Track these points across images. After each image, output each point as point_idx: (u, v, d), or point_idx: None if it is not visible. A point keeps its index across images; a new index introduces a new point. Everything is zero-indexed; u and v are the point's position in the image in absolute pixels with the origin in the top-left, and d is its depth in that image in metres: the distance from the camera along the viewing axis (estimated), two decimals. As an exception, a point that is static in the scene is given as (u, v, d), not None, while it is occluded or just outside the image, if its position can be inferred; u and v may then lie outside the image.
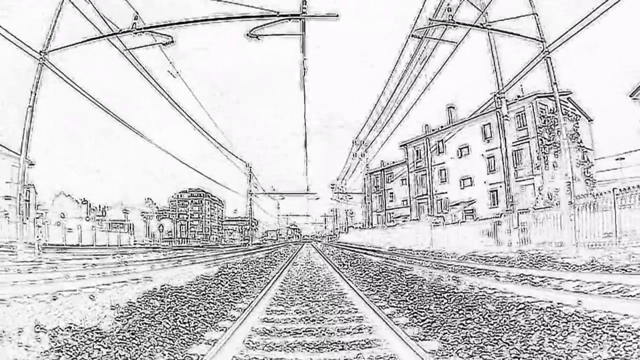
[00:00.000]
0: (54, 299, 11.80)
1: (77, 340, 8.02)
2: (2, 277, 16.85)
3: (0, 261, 24.38)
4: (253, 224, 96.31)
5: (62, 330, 8.57)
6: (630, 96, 42.28)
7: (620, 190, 24.55)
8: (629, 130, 44.67)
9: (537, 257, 24.41)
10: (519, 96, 52.28)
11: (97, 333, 8.60)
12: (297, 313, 11.52)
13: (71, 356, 7.24)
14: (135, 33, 31.55)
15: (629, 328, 7.61)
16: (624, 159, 48.16)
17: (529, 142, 51.62)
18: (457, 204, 61.47)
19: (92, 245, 59.47)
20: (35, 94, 31.30)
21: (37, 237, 36.10)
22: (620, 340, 7.01)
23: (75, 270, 20.47)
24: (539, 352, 6.89)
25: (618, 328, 7.63)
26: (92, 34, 32.05)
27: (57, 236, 56.52)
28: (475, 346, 7.57)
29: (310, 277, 20.31)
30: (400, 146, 73.70)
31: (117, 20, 32.02)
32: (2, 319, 9.19)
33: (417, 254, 38.36)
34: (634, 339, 7.03)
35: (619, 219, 24.13)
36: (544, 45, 30.61)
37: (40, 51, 31.33)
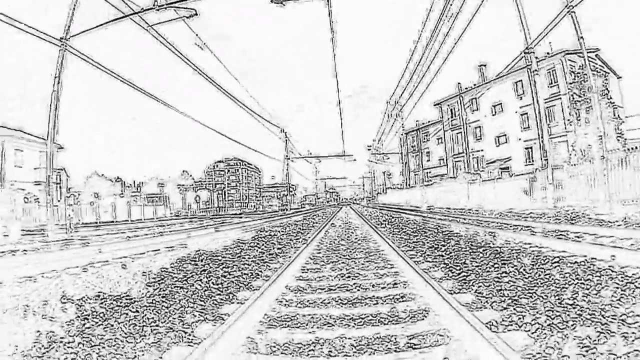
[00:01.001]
0: (84, 271, 11.91)
1: (104, 308, 8.13)
2: (31, 257, 16.78)
3: (30, 243, 24.50)
4: (291, 189, 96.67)
5: (90, 299, 8.68)
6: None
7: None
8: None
9: (571, 213, 24.32)
10: (548, 53, 51.84)
11: (127, 299, 8.70)
12: (332, 270, 11.56)
13: (97, 323, 7.27)
14: (158, 9, 31.68)
15: (662, 285, 7.52)
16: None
17: (560, 98, 51.25)
18: (493, 162, 61.28)
19: (127, 220, 59.75)
20: (59, 79, 31.46)
21: (69, 215, 36.48)
22: None
23: (107, 244, 20.43)
24: (573, 305, 6.81)
25: None
26: (113, 16, 32.21)
27: (91, 215, 57.22)
28: (509, 299, 7.54)
29: (348, 237, 20.29)
30: (435, 105, 73.49)
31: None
32: (27, 295, 9.24)
33: (454, 211, 38.41)
34: (667, 295, 6.96)
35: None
36: (567, 0, 30.33)
37: (61, 38, 31.49)
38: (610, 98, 47.43)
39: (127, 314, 7.66)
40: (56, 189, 34.84)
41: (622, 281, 7.94)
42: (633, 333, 5.63)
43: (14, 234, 29.95)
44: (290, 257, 14.14)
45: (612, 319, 6.22)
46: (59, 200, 39.25)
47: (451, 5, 35.40)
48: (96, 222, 53.30)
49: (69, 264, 13.22)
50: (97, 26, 32.37)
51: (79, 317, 7.62)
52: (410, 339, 6.13)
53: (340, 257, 13.67)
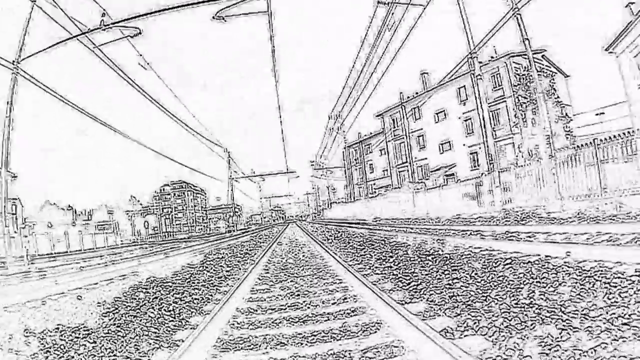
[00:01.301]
0: (43, 304, 11.72)
1: (64, 340, 8.07)
2: None
3: None
4: (236, 209, 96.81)
5: (50, 332, 8.60)
6: (606, 50, 42.30)
7: (601, 140, 24.43)
8: (607, 85, 44.80)
9: (521, 214, 24.43)
10: (492, 57, 52.34)
11: (84, 330, 8.62)
12: (281, 290, 11.62)
13: (58, 355, 7.28)
14: (104, 29, 31.68)
15: (622, 274, 7.50)
16: (603, 113, 48.38)
17: (505, 101, 51.81)
18: (438, 169, 61.78)
19: (80, 250, 59.52)
20: (12, 105, 31.05)
21: (26, 248, 36.07)
22: (615, 287, 6.90)
23: (63, 275, 20.33)
24: (530, 305, 6.80)
25: (611, 275, 7.53)
26: (64, 37, 31.98)
27: (45, 245, 57.07)
28: (463, 304, 7.57)
29: (295, 255, 20.46)
30: (377, 116, 73.94)
31: (87, 19, 31.93)
32: None
33: (401, 222, 38.72)
34: (629, 284, 6.91)
35: (603, 170, 24.02)
36: (513, 2, 30.58)
37: (13, 60, 31.14)
38: (557, 97, 48.00)
39: (85, 345, 7.73)
40: (12, 220, 34.42)
41: (580, 276, 7.90)
42: (598, 326, 5.57)
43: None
44: (239, 279, 14.27)
45: (574, 314, 6.17)
46: (15, 232, 38.81)
47: (393, 14, 35.52)
48: (51, 253, 53.15)
49: (29, 297, 12.94)
50: (46, 48, 32.28)
51: (41, 350, 7.69)
52: (364, 353, 6.11)
53: (288, 276, 13.85)
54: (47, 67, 33.91)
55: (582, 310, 6.15)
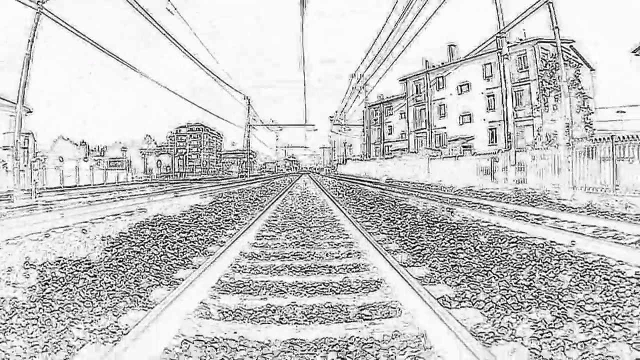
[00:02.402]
0: (46, 236, 11.91)
1: (64, 273, 8.11)
2: None
3: None
4: (251, 156, 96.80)
5: (51, 265, 8.65)
6: (633, 52, 42.03)
7: (619, 138, 24.32)
8: (632, 84, 44.58)
9: (532, 195, 24.40)
10: (520, 39, 52.07)
11: (86, 264, 8.68)
12: (287, 238, 11.70)
13: (57, 288, 7.23)
14: None
15: (622, 274, 7.51)
16: (624, 112, 48.23)
17: (529, 84, 51.63)
18: (456, 139, 61.64)
19: (90, 185, 59.54)
20: (33, 42, 31.10)
21: (34, 180, 36.20)
22: (613, 285, 6.89)
23: (69, 209, 20.55)
24: (529, 287, 6.84)
25: (611, 272, 7.53)
26: None
27: (55, 180, 56.87)
28: (464, 275, 7.60)
29: (305, 205, 20.60)
30: (400, 81, 73.76)
31: None
32: None
33: (414, 185, 38.66)
34: (627, 285, 6.90)
35: (617, 167, 23.97)
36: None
37: (38, 1, 31.05)
38: (581, 88, 47.84)
39: (85, 278, 7.73)
40: (23, 153, 34.50)
41: (581, 267, 7.89)
42: (591, 321, 5.55)
43: (-20, 199, 29.69)
44: (246, 223, 14.20)
45: (570, 303, 6.16)
46: (25, 165, 38.93)
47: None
48: (60, 187, 52.91)
49: (32, 230, 13.15)
50: None
51: (40, 282, 7.63)
52: (361, 310, 6.16)
53: (295, 225, 13.92)
54: (75, 9, 33.95)
55: (579, 302, 6.15)
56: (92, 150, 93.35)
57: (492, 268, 7.92)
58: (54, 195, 34.71)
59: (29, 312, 6.19)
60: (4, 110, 52.05)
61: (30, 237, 11.93)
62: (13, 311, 6.25)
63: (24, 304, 6.55)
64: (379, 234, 11.95)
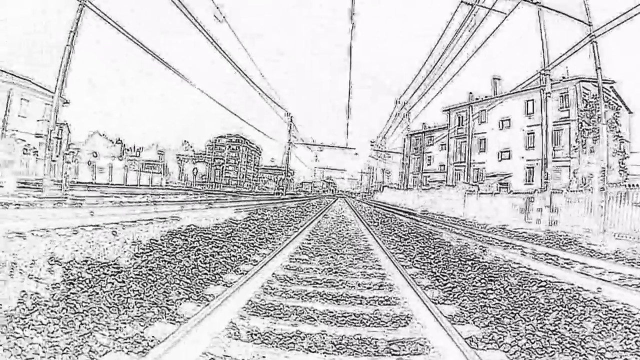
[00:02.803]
0: (75, 233, 11.90)
1: (91, 274, 8.14)
2: (23, 212, 16.77)
3: (25, 197, 24.46)
4: (289, 173, 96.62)
5: (78, 264, 8.67)
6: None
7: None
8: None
9: (564, 238, 24.37)
10: (563, 77, 52.01)
11: (114, 268, 8.72)
12: (320, 264, 11.66)
13: (83, 289, 7.30)
14: None
15: (644, 324, 7.55)
16: (659, 157, 47.88)
17: (569, 124, 51.43)
18: (493, 176, 61.47)
19: (123, 184, 59.62)
20: (75, 34, 31.40)
21: (66, 173, 36.37)
22: (634, 333, 6.96)
23: (100, 207, 20.65)
24: (554, 332, 6.87)
25: (633, 322, 7.57)
26: None
27: (87, 174, 56.77)
28: (492, 316, 7.58)
29: (339, 231, 20.48)
30: (443, 111, 73.76)
31: None
32: (16, 251, 9.19)
33: (449, 219, 38.42)
34: (648, 334, 6.98)
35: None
36: (591, 29, 30.51)
37: None
38: (619, 132, 47.56)
39: (113, 283, 7.74)
40: (56, 144, 34.54)
41: (605, 315, 7.93)
42: None
43: (9, 185, 29.90)
44: (280, 244, 14.23)
45: (592, 351, 6.27)
46: (57, 156, 38.97)
47: (475, 15, 35.48)
48: (92, 183, 53.05)
49: (60, 224, 13.20)
50: None
51: (64, 281, 7.66)
52: (390, 345, 6.19)
53: (330, 251, 13.76)
54: (119, 4, 34.20)
55: (599, 349, 6.26)
56: (128, 150, 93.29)
57: (520, 311, 7.92)
58: (85, 191, 34.94)
59: (51, 310, 6.27)
60: (40, 98, 52.53)
61: (58, 231, 11.94)
62: (34, 307, 6.31)
63: (46, 301, 6.64)
64: (411, 268, 11.98)
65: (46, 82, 52.37)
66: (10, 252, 9.06)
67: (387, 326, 6.95)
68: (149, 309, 6.79)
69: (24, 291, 6.91)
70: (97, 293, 7.15)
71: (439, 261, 13.04)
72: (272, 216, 24.47)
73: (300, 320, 6.94)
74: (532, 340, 6.49)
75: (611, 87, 50.84)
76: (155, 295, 7.40)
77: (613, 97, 51.67)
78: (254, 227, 17.89)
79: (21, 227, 12.10)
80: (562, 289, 9.92)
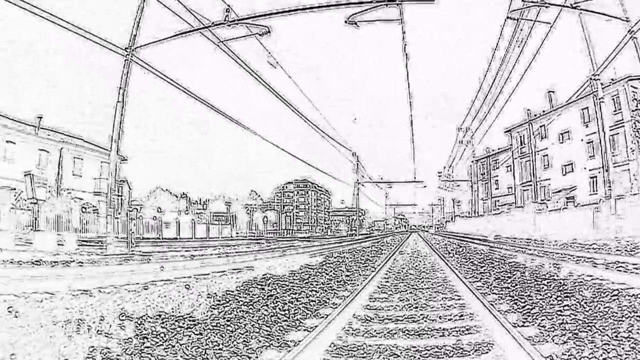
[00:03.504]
0: (145, 289, 12.17)
1: (166, 328, 8.24)
2: (87, 270, 17.01)
3: (87, 255, 24.75)
4: (360, 214, 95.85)
5: (151, 319, 8.79)
6: None
7: None
8: None
9: (631, 244, 24.21)
10: (612, 79, 51.44)
11: (190, 320, 8.77)
12: (400, 300, 11.63)
13: (157, 343, 7.40)
14: (229, 25, 31.88)
15: None
16: None
17: (623, 126, 50.68)
18: (559, 191, 60.69)
19: (191, 238, 59.20)
20: (125, 90, 31.87)
21: (131, 230, 36.57)
22: None
23: (170, 262, 20.75)
24: (627, 338, 7.04)
25: None
26: (179, 28, 32.65)
27: (152, 231, 56.68)
28: (570, 332, 7.66)
29: (416, 265, 20.51)
30: (505, 132, 72.90)
31: (205, 12, 32.54)
32: (82, 308, 9.43)
33: (521, 241, 38.17)
34: None
35: None
36: (630, 25, 30.40)
37: (126, 48, 31.80)
38: (672, 127, 46.78)
39: (189, 335, 7.82)
40: (118, 201, 34.94)
41: None
42: None
43: (70, 244, 30.16)
44: (358, 284, 14.30)
45: None
46: (119, 213, 39.25)
47: (521, 29, 35.55)
48: (158, 238, 53.19)
49: (129, 280, 13.54)
50: (165, 38, 32.70)
51: (137, 335, 7.79)
52: None
53: (408, 287, 13.88)
54: (164, 56, 34.55)
55: None
56: (194, 203, 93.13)
57: (595, 323, 8.11)
58: (152, 246, 34.90)
59: None
60: (92, 157, 52.96)
61: (127, 287, 12.20)
62: None
63: (118, 355, 6.81)
64: (489, 294, 12.10)
65: (101, 140, 52.77)
66: (76, 309, 9.37)
67: (469, 355, 7.09)
68: (229, 358, 6.90)
69: (92, 346, 7.15)
70: (173, 346, 7.29)
71: (516, 284, 13.18)
72: (347, 258, 24.24)
73: (384, 358, 7.01)
74: (608, 350, 6.67)
75: (658, 80, 50.10)
76: (234, 345, 7.43)
77: (661, 91, 50.90)
78: (331, 271, 17.84)
79: (86, 284, 12.43)
80: (633, 295, 10.14)
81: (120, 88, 31.85)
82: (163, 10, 31.93)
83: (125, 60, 31.94)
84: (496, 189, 76.90)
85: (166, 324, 8.44)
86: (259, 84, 37.89)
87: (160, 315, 9.04)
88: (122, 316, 8.83)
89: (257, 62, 36.69)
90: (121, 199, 52.09)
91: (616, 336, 7.27)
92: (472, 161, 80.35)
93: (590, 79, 34.88)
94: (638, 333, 7.32)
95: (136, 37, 32.45)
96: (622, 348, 6.70)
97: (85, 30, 30.45)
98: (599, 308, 9.20)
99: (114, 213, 31.49)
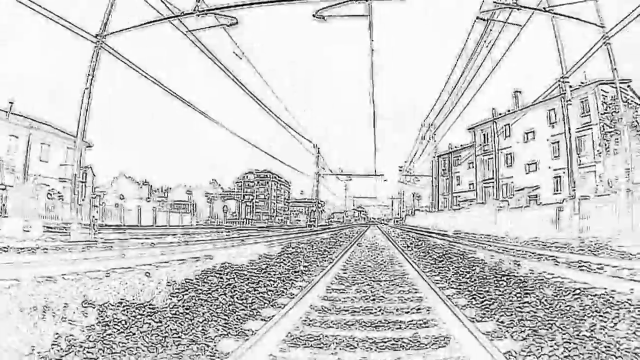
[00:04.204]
0: (107, 276, 12.11)
1: (127, 315, 8.26)
2: (51, 256, 17.04)
3: (52, 241, 24.62)
4: (319, 205, 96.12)
5: (112, 306, 8.81)
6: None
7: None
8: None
9: (595, 244, 24.31)
10: (582, 82, 51.80)
11: (150, 308, 8.81)
12: (357, 292, 11.60)
13: (119, 330, 7.41)
14: (198, 15, 31.79)
15: (678, 321, 7.55)
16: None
17: (591, 128, 51.11)
18: (522, 189, 61.12)
19: (152, 225, 59.48)
20: (93, 77, 31.67)
21: (93, 216, 36.39)
22: None
23: (131, 249, 20.72)
24: (590, 338, 6.93)
25: None
26: (150, 17, 32.44)
27: (115, 217, 56.63)
28: (529, 329, 7.60)
29: (374, 258, 20.37)
30: (468, 129, 73.37)
31: (178, 3, 32.36)
32: (47, 295, 9.37)
33: (481, 237, 38.28)
34: (681, 332, 6.99)
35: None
36: (604, 31, 30.61)
37: (97, 34, 31.69)
38: (640, 130, 47.29)
39: (149, 323, 7.83)
40: (82, 187, 34.60)
41: (639, 315, 8.06)
42: None
43: (36, 230, 30.12)
44: (316, 275, 14.20)
45: (626, 352, 6.37)
46: (83, 199, 38.99)
47: (491, 31, 35.57)
48: (120, 225, 53.06)
49: (91, 267, 13.41)
50: (135, 26, 32.56)
51: (100, 322, 7.79)
52: None
53: (365, 279, 13.73)
54: (132, 45, 34.33)
55: (634, 349, 6.37)
56: (155, 191, 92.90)
57: (556, 321, 8.01)
58: (114, 233, 34.97)
59: (88, 352, 6.40)
60: (59, 143, 52.47)
61: (89, 274, 12.13)
62: (69, 348, 6.45)
63: (82, 342, 6.77)
64: (448, 289, 11.96)
65: (67, 126, 52.22)
66: (41, 296, 9.27)
67: (426, 348, 7.03)
68: (187, 346, 6.87)
69: (57, 333, 7.08)
70: (134, 334, 7.26)
71: (475, 279, 13.09)
72: (305, 248, 24.27)
73: (340, 349, 6.99)
74: (569, 349, 6.58)
75: (629, 86, 50.54)
76: (193, 333, 7.45)
77: (631, 96, 51.37)
78: (289, 261, 17.76)
79: (50, 271, 12.32)
80: (595, 295, 10.01)
81: (88, 75, 31.58)
82: (136, 1, 31.75)
83: (95, 47, 31.66)
84: (457, 185, 77.55)
85: (127, 312, 8.47)
86: (225, 76, 37.64)
87: (121, 303, 9.08)
88: (85, 303, 8.86)
89: (224, 54, 36.51)
90: (85, 185, 51.68)
91: (578, 335, 7.19)
92: (434, 157, 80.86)
93: (559, 81, 34.98)
94: (601, 333, 7.23)
95: (107, 24, 32.24)
96: (584, 347, 6.61)
97: (58, 16, 30.09)
98: (560, 306, 9.14)
99: (78, 199, 31.16)
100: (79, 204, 31.83)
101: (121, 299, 9.39)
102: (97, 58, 31.83)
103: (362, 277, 14.12)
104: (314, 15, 29.49)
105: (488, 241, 31.95)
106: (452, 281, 13.25)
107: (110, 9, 32.38)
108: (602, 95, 50.96)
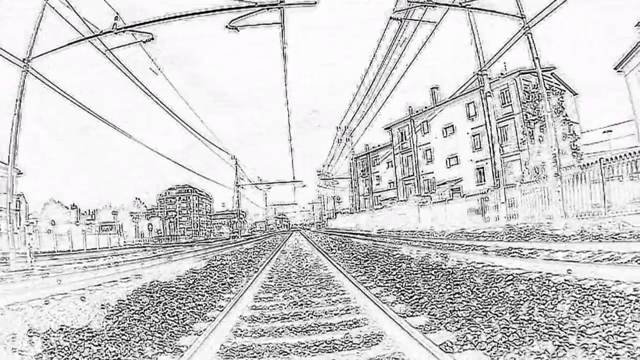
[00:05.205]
0: (46, 303, 11.83)
1: (68, 341, 8.07)
2: None
3: None
4: (241, 216, 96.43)
5: (54, 333, 8.60)
6: (615, 69, 42.20)
7: (607, 160, 24.49)
8: (616, 103, 44.75)
9: (525, 230, 24.46)
10: (502, 73, 52.44)
11: (88, 332, 8.62)
12: (285, 299, 11.59)
13: (63, 357, 7.33)
14: (116, 33, 31.73)
15: (620, 293, 7.62)
16: (611, 131, 48.28)
17: (513, 118, 51.87)
18: (444, 183, 61.88)
19: (83, 249, 59.25)
20: (20, 102, 31.15)
21: (29, 245, 35.88)
22: (612, 305, 7.05)
23: (66, 275, 20.39)
24: (529, 321, 6.92)
25: (610, 294, 7.64)
26: (75, 38, 32.14)
27: (48, 243, 56.45)
28: (463, 319, 7.64)
29: (298, 264, 20.43)
30: (385, 129, 74.08)
31: (100, 22, 32.06)
32: None
33: (405, 234, 38.68)
34: (627, 303, 7.05)
35: (608, 188, 24.09)
36: (524, 22, 30.88)
37: (24, 59, 31.24)
38: (565, 115, 48.10)
39: (90, 347, 7.76)
40: (16, 216, 34.07)
41: (579, 294, 8.00)
42: (593, 344, 5.73)
43: (-24, 261, 29.69)
44: (242, 286, 14.22)
45: (571, 331, 6.29)
46: (18, 228, 38.48)
47: (405, 30, 35.59)
48: (54, 251, 52.99)
49: (31, 296, 13.15)
50: (57, 48, 32.22)
51: (45, 351, 7.72)
52: None
53: (291, 285, 13.79)
54: (57, 67, 33.98)
55: (580, 328, 6.30)
56: (83, 214, 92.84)
57: (490, 308, 8.10)
58: (49, 260, 34.94)
59: None
60: None
61: (31, 303, 11.90)
62: None
63: None
64: (375, 287, 12.04)
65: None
66: None
67: (359, 347, 7.05)
68: None
69: None
70: (77, 359, 7.28)
71: (402, 276, 13.17)
72: (231, 260, 24.35)
73: (273, 356, 6.97)
74: (508, 334, 6.58)
75: (552, 73, 51.32)
76: (131, 354, 7.43)
77: (555, 83, 52.18)
78: (215, 274, 17.79)
79: None
80: (530, 279, 10.12)
81: (17, 100, 30.98)
82: (60, 22, 31.39)
83: (22, 72, 31.06)
84: (377, 184, 78.59)
85: (68, 338, 8.37)
86: (142, 92, 37.41)
87: (62, 329, 8.92)
88: (30, 332, 8.71)
89: (143, 69, 36.33)
90: (19, 213, 51.02)
91: (515, 319, 7.27)
92: (352, 159, 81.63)
93: (477, 74, 35.18)
94: (540, 315, 7.24)
95: (32, 48, 31.72)
96: (524, 331, 6.58)
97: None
98: (494, 294, 9.22)
99: (13, 228, 30.62)
100: (15, 232, 31.35)
101: (62, 325, 9.20)
102: (25, 82, 31.26)
103: (288, 284, 14.16)
104: (226, 27, 29.30)
105: (413, 237, 32.17)
106: (379, 279, 13.30)
107: (36, 33, 31.87)
108: (524, 84, 51.71)
